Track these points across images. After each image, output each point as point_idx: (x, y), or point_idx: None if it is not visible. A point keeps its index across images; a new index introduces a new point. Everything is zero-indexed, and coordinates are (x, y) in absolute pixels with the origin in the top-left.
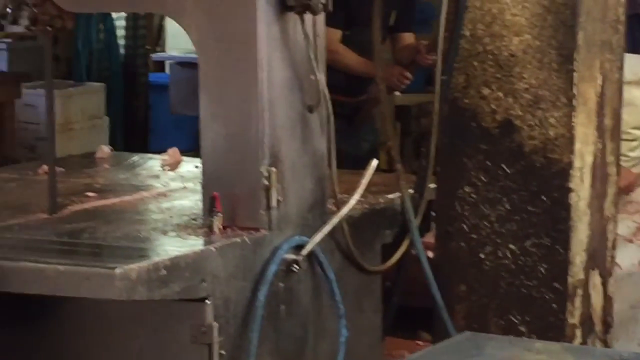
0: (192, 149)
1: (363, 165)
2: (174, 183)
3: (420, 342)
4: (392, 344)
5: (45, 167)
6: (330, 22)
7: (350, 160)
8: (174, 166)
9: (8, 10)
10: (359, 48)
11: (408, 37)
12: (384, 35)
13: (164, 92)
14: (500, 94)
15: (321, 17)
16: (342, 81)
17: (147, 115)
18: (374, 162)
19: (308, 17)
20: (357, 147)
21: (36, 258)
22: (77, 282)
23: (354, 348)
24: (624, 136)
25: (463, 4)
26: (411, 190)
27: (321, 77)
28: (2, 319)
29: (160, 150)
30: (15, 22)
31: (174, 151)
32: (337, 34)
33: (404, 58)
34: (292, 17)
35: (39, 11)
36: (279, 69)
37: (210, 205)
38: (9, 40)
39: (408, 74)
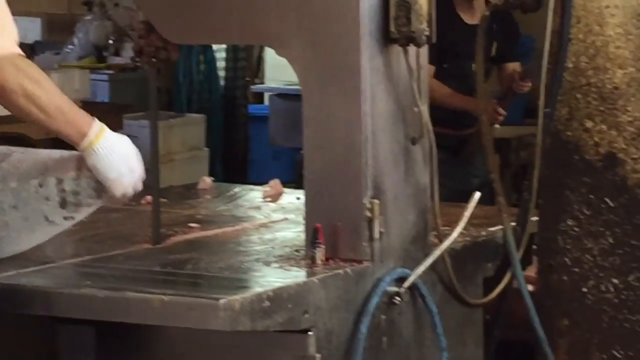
0: (290, 181)
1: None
2: (275, 214)
3: None
4: None
5: (148, 198)
6: None
7: (456, 195)
8: (275, 198)
9: (110, 41)
10: (458, 81)
11: (514, 67)
12: (486, 68)
13: (263, 123)
14: (604, 127)
15: (424, 49)
16: (448, 114)
17: (247, 146)
18: (477, 195)
19: (411, 49)
20: (465, 182)
21: (140, 288)
22: (181, 312)
23: None
24: None
25: (566, 37)
26: (513, 223)
27: (424, 109)
28: (106, 348)
29: (259, 182)
30: (117, 53)
31: (275, 183)
32: (430, 69)
33: (503, 86)
34: (396, 49)
35: (145, 43)
36: (382, 101)
37: (312, 236)
38: (111, 71)
39: (501, 110)
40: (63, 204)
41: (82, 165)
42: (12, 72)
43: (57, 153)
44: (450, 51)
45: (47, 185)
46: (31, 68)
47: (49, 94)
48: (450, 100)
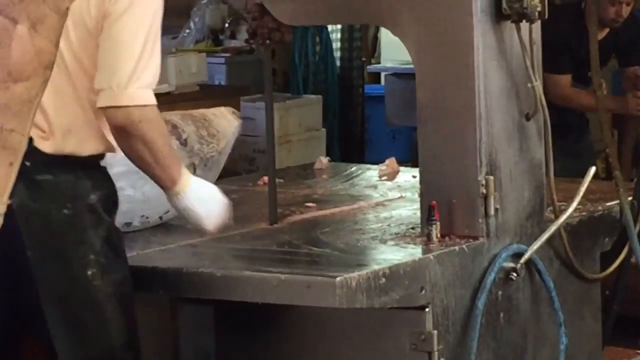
0: (407, 160)
1: None
2: (391, 193)
3: None
4: (612, 353)
5: (265, 179)
6: (557, 68)
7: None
8: (391, 176)
9: (226, 25)
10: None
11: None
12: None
13: (379, 103)
14: None
15: (537, 25)
16: None
17: (363, 126)
18: (592, 169)
19: (524, 25)
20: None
21: (258, 267)
22: (298, 290)
23: (573, 356)
24: None
25: None
26: (630, 198)
27: (538, 85)
28: (225, 326)
29: (375, 162)
30: (233, 36)
31: (391, 161)
32: (566, 79)
33: (627, 88)
34: (508, 25)
35: (258, 25)
36: (495, 77)
37: (428, 214)
38: (227, 54)
39: None
40: None
41: None
42: (142, 123)
43: None
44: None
45: None
46: (158, 120)
47: (164, 145)
48: (591, 103)
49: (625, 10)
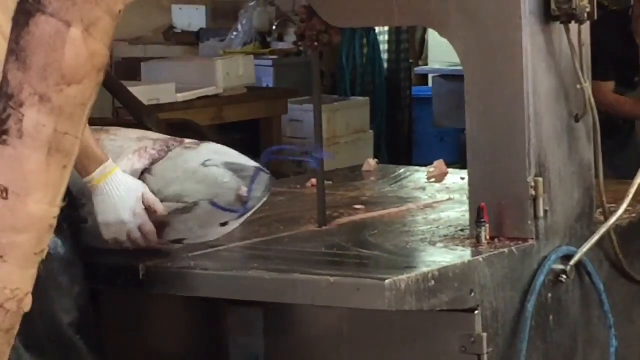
0: (456, 162)
1: None
2: (440, 195)
3: None
4: None
5: (313, 181)
6: (601, 75)
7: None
8: (439, 178)
9: (273, 27)
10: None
11: None
12: None
13: (427, 105)
14: None
15: (586, 26)
16: None
17: (411, 128)
18: None
19: (573, 26)
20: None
21: (307, 270)
22: (347, 293)
23: (624, 359)
24: None
25: None
26: None
27: (587, 86)
28: (274, 329)
29: (423, 163)
30: (280, 39)
31: (439, 163)
32: (609, 86)
33: None
34: (557, 26)
35: (307, 27)
36: (544, 78)
37: (477, 216)
38: (274, 56)
39: None
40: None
41: None
42: None
43: None
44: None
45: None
46: None
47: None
48: (634, 110)
49: None
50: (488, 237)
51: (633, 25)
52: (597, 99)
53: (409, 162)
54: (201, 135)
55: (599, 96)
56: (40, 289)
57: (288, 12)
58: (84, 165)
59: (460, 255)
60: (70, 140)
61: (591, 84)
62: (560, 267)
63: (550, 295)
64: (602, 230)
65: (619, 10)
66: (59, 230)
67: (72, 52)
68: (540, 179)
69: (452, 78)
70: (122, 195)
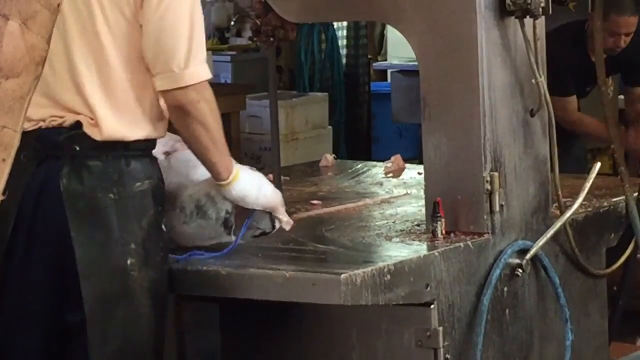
0: (414, 157)
1: None
2: (397, 190)
3: None
4: (618, 349)
5: (270, 176)
6: (561, 91)
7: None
8: (397, 173)
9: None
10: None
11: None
12: None
13: (386, 100)
14: None
15: (541, 21)
16: None
17: (370, 124)
18: (597, 165)
19: (528, 21)
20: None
21: (263, 265)
22: (303, 288)
23: (580, 352)
24: None
25: None
26: (636, 194)
27: (542, 80)
28: (230, 324)
29: (383, 159)
30: (238, 34)
31: (396, 158)
32: (572, 102)
33: (634, 111)
34: (512, 21)
35: (262, 22)
36: (499, 73)
37: (433, 210)
38: (233, 52)
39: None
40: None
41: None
42: (201, 102)
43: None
44: (588, 81)
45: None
46: (213, 101)
47: (219, 129)
48: (597, 130)
49: (624, 41)
50: (444, 231)
51: (588, 42)
52: (560, 117)
53: (369, 157)
54: None
55: (563, 114)
56: None
57: (246, 8)
58: (228, 157)
59: (416, 249)
60: (9, 134)
61: (555, 102)
62: (516, 261)
63: (506, 289)
64: (558, 224)
65: (572, 22)
66: None
67: (10, 45)
68: (496, 174)
69: (410, 73)
70: (257, 174)
